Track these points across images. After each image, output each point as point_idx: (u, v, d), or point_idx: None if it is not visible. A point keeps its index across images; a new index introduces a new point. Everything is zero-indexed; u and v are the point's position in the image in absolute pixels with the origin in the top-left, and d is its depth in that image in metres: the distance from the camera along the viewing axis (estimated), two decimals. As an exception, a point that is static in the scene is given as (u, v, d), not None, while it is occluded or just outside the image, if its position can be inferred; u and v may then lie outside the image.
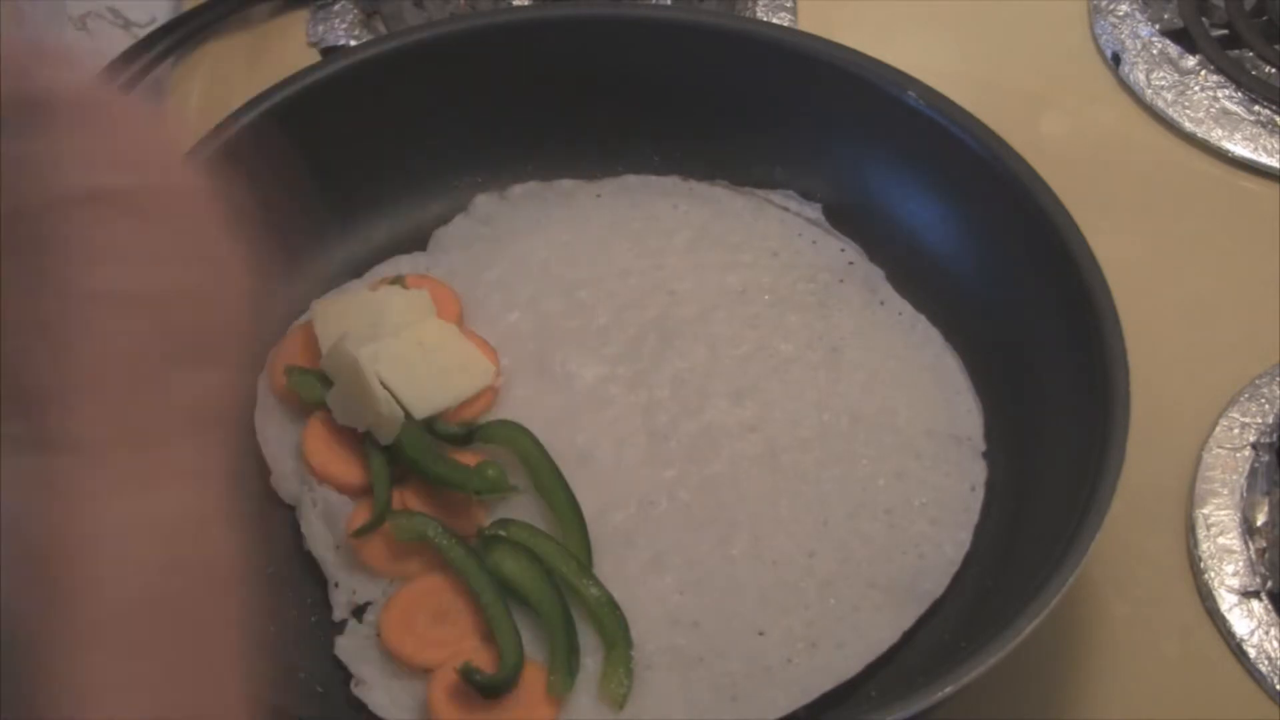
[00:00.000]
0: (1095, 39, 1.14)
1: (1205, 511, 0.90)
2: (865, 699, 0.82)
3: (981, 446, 0.90)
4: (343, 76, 0.96)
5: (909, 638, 0.84)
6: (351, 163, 0.98)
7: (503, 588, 0.83)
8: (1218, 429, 0.93)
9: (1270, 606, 0.86)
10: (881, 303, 0.96)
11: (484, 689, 0.79)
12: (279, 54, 1.13)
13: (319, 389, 0.90)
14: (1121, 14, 1.14)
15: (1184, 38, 1.13)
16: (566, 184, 1.01)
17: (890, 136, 0.96)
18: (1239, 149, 1.07)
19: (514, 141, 1.01)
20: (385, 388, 0.86)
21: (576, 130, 1.01)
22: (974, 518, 0.87)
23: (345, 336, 0.88)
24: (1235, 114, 1.08)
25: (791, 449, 0.90)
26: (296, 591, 0.86)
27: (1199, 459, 0.92)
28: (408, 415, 0.87)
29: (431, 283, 0.95)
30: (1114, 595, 0.88)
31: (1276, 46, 1.12)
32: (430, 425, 0.88)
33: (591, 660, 0.82)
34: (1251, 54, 1.12)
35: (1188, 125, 1.08)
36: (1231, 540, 0.89)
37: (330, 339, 0.90)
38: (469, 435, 0.88)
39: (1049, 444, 0.87)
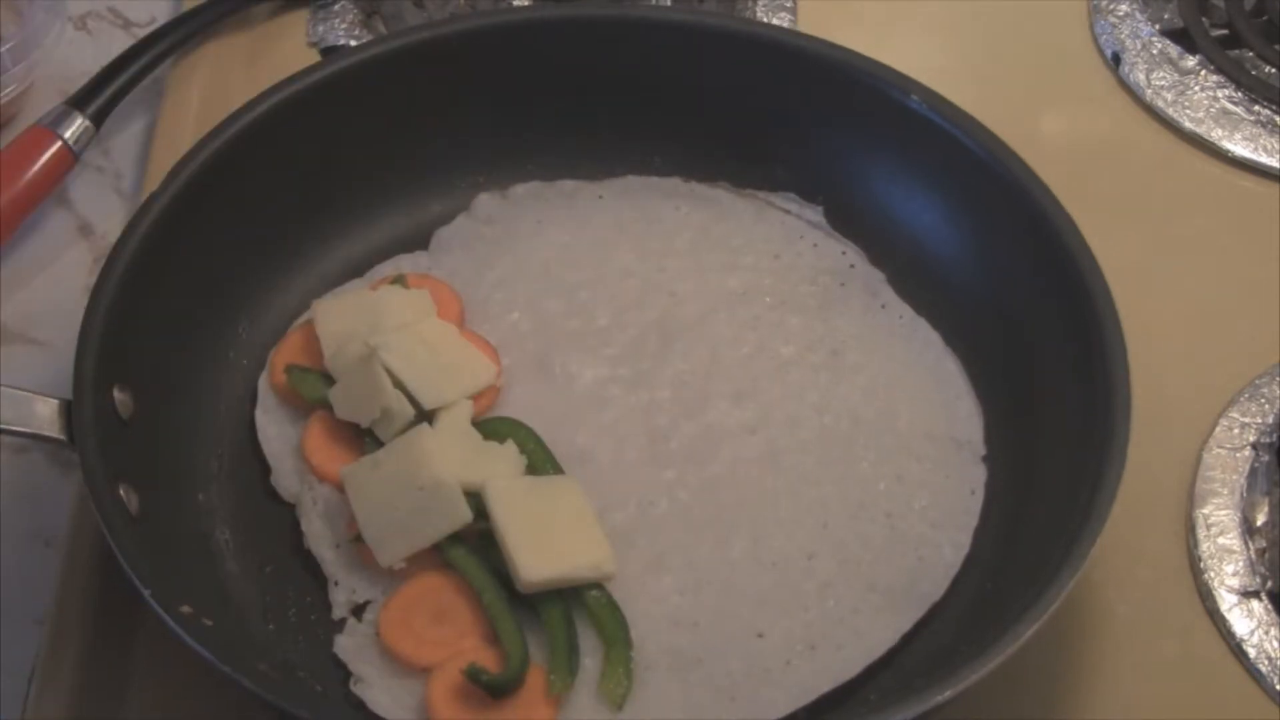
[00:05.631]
0: (1095, 39, 1.14)
1: (1205, 511, 0.90)
2: (864, 701, 0.82)
3: (982, 450, 0.90)
4: (343, 76, 0.96)
5: (908, 640, 0.84)
6: (352, 162, 0.98)
7: (503, 587, 0.83)
8: (1218, 429, 0.93)
9: (1270, 606, 0.87)
10: (882, 306, 0.96)
11: (491, 689, 0.79)
12: (279, 54, 1.13)
13: (320, 387, 0.90)
14: (1121, 14, 1.14)
15: (1184, 38, 1.13)
16: (568, 184, 1.01)
17: (891, 138, 0.96)
18: (1239, 149, 1.07)
19: (515, 141, 1.01)
20: (393, 379, 0.87)
21: (578, 130, 1.01)
22: (974, 521, 0.87)
23: (354, 336, 0.88)
24: (1235, 114, 1.08)
25: (792, 451, 0.90)
26: (296, 590, 0.86)
27: (1199, 459, 0.92)
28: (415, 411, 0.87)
29: (432, 282, 0.96)
30: (1114, 595, 0.88)
31: (1276, 46, 1.12)
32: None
33: (591, 660, 0.82)
34: (1251, 54, 1.12)
35: (1188, 125, 1.08)
36: (1231, 540, 0.89)
37: (331, 338, 0.90)
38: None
39: (1049, 447, 0.87)
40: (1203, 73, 1.10)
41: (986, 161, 0.91)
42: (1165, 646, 0.87)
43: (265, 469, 0.90)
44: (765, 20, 1.13)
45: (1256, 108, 1.08)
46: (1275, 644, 0.85)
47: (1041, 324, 0.89)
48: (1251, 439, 0.92)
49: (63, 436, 0.83)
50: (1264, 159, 1.07)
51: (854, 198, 0.98)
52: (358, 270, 0.98)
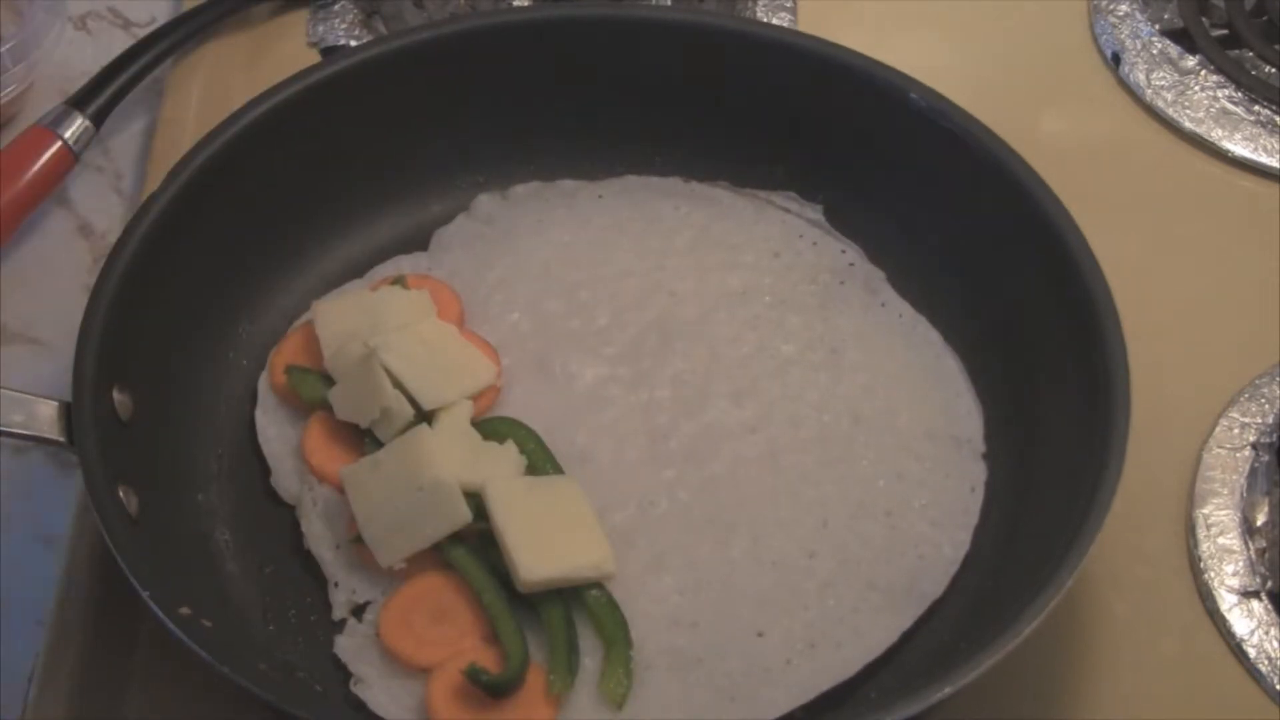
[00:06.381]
0: (1095, 39, 1.14)
1: (1205, 511, 0.90)
2: (864, 700, 0.82)
3: (981, 448, 0.90)
4: (343, 76, 0.96)
5: (908, 638, 0.84)
6: (352, 163, 0.98)
7: (504, 587, 0.83)
8: (1218, 429, 0.93)
9: (1270, 606, 0.86)
10: (882, 304, 0.96)
11: (491, 689, 0.79)
12: (279, 54, 1.13)
13: (320, 388, 0.90)
14: (1121, 14, 1.14)
15: (1184, 38, 1.13)
16: (568, 184, 1.01)
17: (890, 137, 0.96)
18: (1239, 149, 1.07)
19: (515, 141, 1.01)
20: (392, 379, 0.87)
21: (578, 130, 1.01)
22: (974, 519, 0.87)
23: (354, 336, 0.88)
24: (1235, 114, 1.08)
25: (792, 450, 0.90)
26: (296, 591, 0.87)
27: (1199, 459, 0.92)
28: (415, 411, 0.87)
29: (432, 283, 0.96)
30: (1114, 595, 0.88)
31: (1276, 46, 1.12)
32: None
33: (591, 660, 0.82)
34: (1251, 54, 1.12)
35: (1188, 125, 1.08)
36: (1231, 540, 0.89)
37: (330, 339, 0.90)
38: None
39: (1049, 445, 0.87)
40: (1203, 73, 1.10)
41: (986, 159, 0.91)
42: (1165, 646, 0.87)
43: (265, 469, 0.90)
44: (765, 20, 1.13)
45: (1256, 108, 1.08)
46: (1275, 644, 0.85)
47: (1041, 323, 0.89)
48: (1251, 439, 0.92)
49: (63, 438, 0.83)
50: (1264, 159, 1.06)
51: (853, 196, 0.98)
52: (358, 270, 0.98)
